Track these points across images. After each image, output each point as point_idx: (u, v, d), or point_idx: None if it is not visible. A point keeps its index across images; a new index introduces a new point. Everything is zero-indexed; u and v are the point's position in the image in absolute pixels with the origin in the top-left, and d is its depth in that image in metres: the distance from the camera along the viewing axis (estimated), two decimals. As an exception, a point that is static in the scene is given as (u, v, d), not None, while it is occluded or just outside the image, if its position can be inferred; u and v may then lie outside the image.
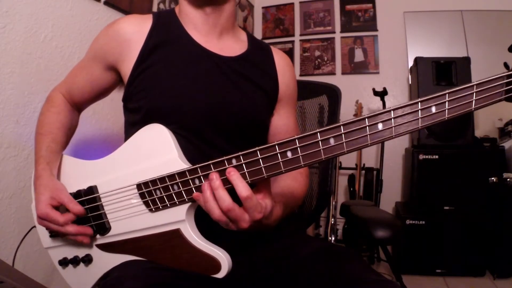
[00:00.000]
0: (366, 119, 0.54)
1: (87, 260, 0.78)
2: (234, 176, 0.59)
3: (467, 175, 2.33)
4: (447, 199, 2.34)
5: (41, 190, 0.76)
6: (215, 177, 0.60)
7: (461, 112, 0.52)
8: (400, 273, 2.00)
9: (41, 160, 0.80)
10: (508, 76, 0.50)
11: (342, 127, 0.55)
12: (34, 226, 0.84)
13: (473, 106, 0.52)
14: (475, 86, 0.51)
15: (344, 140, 0.56)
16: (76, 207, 0.73)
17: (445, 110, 0.52)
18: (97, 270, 0.78)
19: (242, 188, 0.58)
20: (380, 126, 0.54)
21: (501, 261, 2.23)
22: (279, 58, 0.92)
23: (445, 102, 0.52)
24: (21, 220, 1.23)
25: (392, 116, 0.54)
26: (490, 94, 0.51)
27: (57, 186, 0.77)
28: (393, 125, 0.54)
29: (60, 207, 0.76)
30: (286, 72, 0.92)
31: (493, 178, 2.29)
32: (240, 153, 0.61)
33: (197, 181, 0.64)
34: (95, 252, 0.78)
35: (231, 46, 0.86)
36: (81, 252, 0.79)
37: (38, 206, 0.74)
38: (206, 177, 0.63)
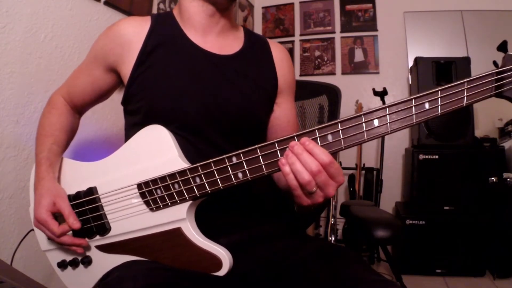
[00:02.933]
0: (363, 116, 0.57)
1: (87, 261, 0.78)
2: (311, 145, 0.56)
3: (467, 175, 2.34)
4: (447, 199, 2.34)
5: (43, 192, 0.76)
6: (294, 144, 0.57)
7: (453, 108, 0.55)
8: (400, 273, 2.00)
9: (44, 161, 0.80)
10: (498, 73, 0.53)
11: (339, 124, 0.57)
12: (32, 229, 0.84)
13: (465, 102, 0.54)
14: (466, 83, 0.54)
15: (341, 137, 0.57)
16: (75, 223, 0.74)
17: (438, 106, 0.55)
18: (96, 271, 0.78)
19: (323, 155, 0.56)
20: (376, 122, 0.57)
21: (501, 261, 2.23)
22: (276, 50, 0.93)
23: (437, 98, 0.55)
24: (21, 221, 1.23)
25: (387, 112, 0.56)
26: (481, 90, 0.54)
27: (59, 192, 0.77)
28: (388, 121, 0.56)
29: (59, 215, 0.76)
30: (284, 63, 0.92)
31: (493, 178, 2.29)
32: (240, 151, 0.61)
33: (197, 179, 0.65)
34: (94, 253, 0.78)
35: (229, 44, 0.86)
36: (80, 254, 0.79)
37: (38, 209, 0.74)
38: (207, 175, 0.64)
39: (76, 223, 0.74)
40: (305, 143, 0.57)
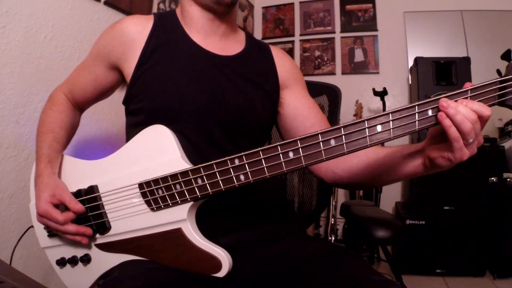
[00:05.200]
0: (366, 121, 0.56)
1: (86, 260, 0.78)
2: (470, 103, 0.55)
3: (467, 175, 2.33)
4: (447, 199, 2.34)
5: (42, 187, 0.76)
6: (446, 99, 0.56)
7: None
8: (400, 273, 2.00)
9: (43, 158, 0.80)
10: (501, 82, 0.53)
11: (342, 128, 0.56)
12: (32, 226, 0.84)
13: None
14: (469, 91, 0.54)
15: (344, 141, 0.57)
16: (77, 206, 0.73)
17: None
18: (95, 270, 0.78)
19: (484, 108, 0.55)
20: (379, 128, 0.56)
21: (501, 261, 2.23)
22: (276, 52, 0.93)
23: None
24: (21, 220, 1.23)
25: (391, 118, 0.56)
26: (484, 98, 0.54)
27: (58, 184, 0.77)
28: (391, 127, 0.56)
29: (60, 206, 0.76)
30: (286, 61, 0.92)
31: (493, 178, 2.29)
32: (242, 153, 0.61)
33: (199, 181, 0.65)
34: (94, 252, 0.78)
35: (231, 45, 0.86)
36: (79, 252, 0.79)
37: (38, 203, 0.74)
38: (209, 176, 0.64)
39: (78, 206, 0.73)
40: (463, 103, 0.55)
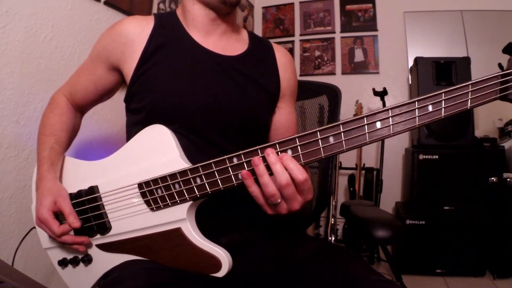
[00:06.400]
0: (365, 117, 0.56)
1: (87, 260, 0.78)
2: (288, 160, 0.58)
3: (467, 175, 2.34)
4: (447, 199, 2.34)
5: (45, 192, 0.76)
6: (271, 152, 0.58)
7: (457, 111, 0.54)
8: (400, 273, 2.00)
9: (45, 160, 0.80)
10: (503, 76, 0.52)
11: (341, 125, 0.57)
12: (34, 227, 0.85)
13: (469, 105, 0.54)
14: (470, 85, 0.53)
15: (343, 139, 0.57)
16: (75, 222, 0.74)
17: (441, 108, 0.54)
18: (97, 270, 0.78)
19: (298, 171, 0.57)
20: (378, 124, 0.56)
21: (501, 261, 2.23)
22: (280, 54, 0.93)
23: (441, 101, 0.54)
24: (21, 220, 1.23)
25: (390, 114, 0.56)
26: (485, 93, 0.53)
27: (60, 192, 0.77)
28: (391, 123, 0.56)
29: (60, 215, 0.76)
30: (288, 68, 0.92)
31: (493, 178, 2.29)
32: (241, 152, 0.61)
33: (198, 180, 0.65)
34: (95, 252, 0.78)
35: (233, 45, 0.86)
36: (80, 252, 0.79)
37: (39, 209, 0.74)
38: (207, 175, 0.64)
39: (76, 222, 0.74)
40: (283, 158, 0.58)
